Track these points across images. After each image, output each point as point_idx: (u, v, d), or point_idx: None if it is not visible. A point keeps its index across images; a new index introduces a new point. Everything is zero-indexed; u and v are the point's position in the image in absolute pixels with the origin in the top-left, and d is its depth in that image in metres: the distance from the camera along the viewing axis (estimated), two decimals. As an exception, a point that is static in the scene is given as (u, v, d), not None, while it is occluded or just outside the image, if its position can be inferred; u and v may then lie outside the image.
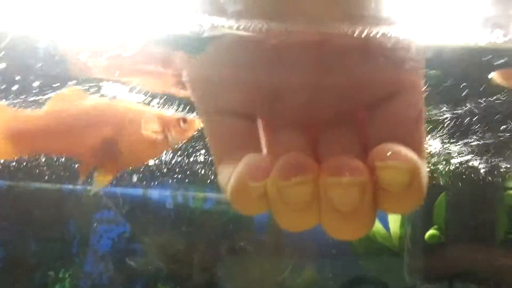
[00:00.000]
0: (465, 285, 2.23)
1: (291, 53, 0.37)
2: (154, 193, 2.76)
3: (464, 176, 2.23)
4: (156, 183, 2.70)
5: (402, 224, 2.47)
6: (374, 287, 2.59)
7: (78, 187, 2.62)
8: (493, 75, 1.63)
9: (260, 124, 0.39)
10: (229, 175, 0.35)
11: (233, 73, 0.38)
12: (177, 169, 2.51)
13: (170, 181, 2.67)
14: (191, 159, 2.37)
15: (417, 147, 0.35)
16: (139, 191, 2.74)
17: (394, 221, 2.51)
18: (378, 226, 2.54)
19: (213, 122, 0.39)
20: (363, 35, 0.37)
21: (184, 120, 1.10)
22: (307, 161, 0.33)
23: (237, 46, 0.39)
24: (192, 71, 0.39)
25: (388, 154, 0.32)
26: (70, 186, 2.65)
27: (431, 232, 2.27)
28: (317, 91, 0.37)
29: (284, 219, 0.34)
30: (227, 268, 2.68)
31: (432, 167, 2.25)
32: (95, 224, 2.69)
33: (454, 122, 1.87)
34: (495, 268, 2.21)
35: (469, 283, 2.22)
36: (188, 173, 2.53)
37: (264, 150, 0.38)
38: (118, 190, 2.68)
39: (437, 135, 1.94)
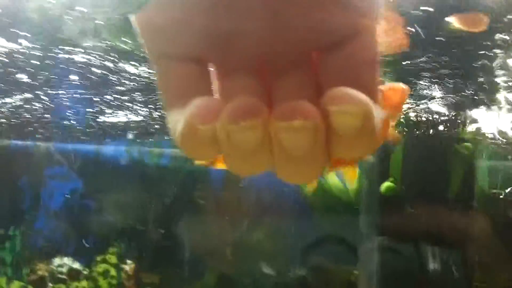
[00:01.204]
0: (417, 238, 2.27)
1: None
2: (108, 149, 2.70)
3: (420, 128, 2.25)
4: (110, 139, 2.66)
5: (359, 178, 2.48)
6: (333, 245, 2.62)
7: (29, 142, 2.55)
8: (452, 19, 1.62)
9: (212, 68, 0.37)
10: (178, 120, 0.34)
11: (182, 16, 0.36)
12: (132, 125, 2.46)
13: (125, 136, 2.62)
14: (147, 114, 2.33)
15: (372, 92, 0.34)
16: (92, 147, 2.68)
17: (351, 174, 2.52)
18: (334, 179, 2.54)
19: (163, 67, 0.37)
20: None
21: None
22: (257, 105, 0.32)
23: None
24: (140, 15, 0.37)
25: (340, 98, 0.31)
26: (20, 142, 2.58)
27: (386, 184, 2.29)
28: (269, 34, 0.35)
29: (235, 164, 0.33)
30: (183, 225, 2.66)
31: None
32: (46, 180, 2.62)
33: (412, 73, 1.89)
34: (447, 222, 2.26)
35: (422, 236, 2.27)
36: (143, 128, 2.49)
37: (217, 96, 0.37)
38: (70, 146, 2.62)
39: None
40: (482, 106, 2.17)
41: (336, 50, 0.36)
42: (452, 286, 2.30)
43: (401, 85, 1.05)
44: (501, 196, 2.31)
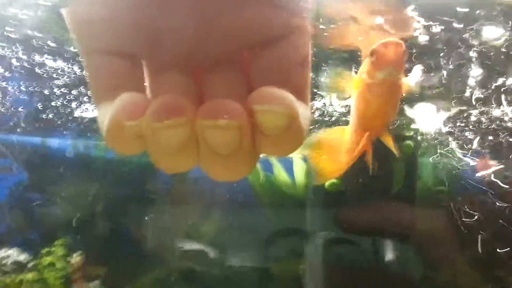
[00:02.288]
0: (358, 235, 2.31)
1: None
2: (54, 142, 2.67)
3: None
4: (56, 131, 2.62)
5: (307, 173, 2.50)
6: (281, 239, 2.64)
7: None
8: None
9: (144, 65, 0.37)
10: (106, 115, 0.33)
11: (112, 11, 0.35)
12: (79, 118, 2.43)
13: (70, 129, 2.59)
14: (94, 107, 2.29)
15: (301, 92, 0.35)
16: (38, 139, 2.64)
17: (299, 170, 2.54)
18: (283, 175, 2.56)
19: (93, 61, 0.37)
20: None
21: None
22: (181, 103, 0.32)
23: None
24: (71, 10, 0.36)
25: (265, 97, 0.32)
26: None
27: (331, 181, 2.31)
28: (199, 32, 0.35)
29: (161, 161, 0.33)
30: (132, 217, 2.65)
31: (331, 117, 2.28)
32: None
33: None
34: (388, 219, 2.29)
35: (362, 232, 2.30)
36: (89, 121, 2.46)
37: (147, 92, 0.37)
38: (15, 138, 2.58)
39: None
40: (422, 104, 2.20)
41: (267, 49, 0.36)
42: (392, 278, 2.34)
43: (394, 40, 1.05)
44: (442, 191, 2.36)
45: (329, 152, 1.25)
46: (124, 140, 0.33)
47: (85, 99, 2.24)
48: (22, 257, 2.55)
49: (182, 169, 0.34)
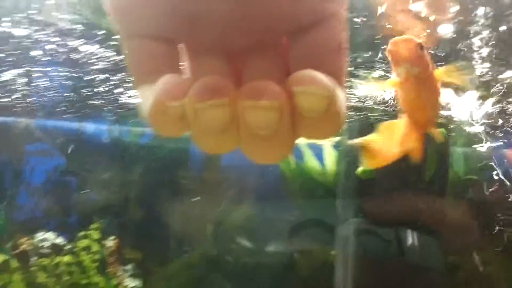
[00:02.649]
0: (393, 221, 2.30)
1: None
2: (90, 127, 2.72)
3: (395, 113, 2.26)
4: (92, 117, 2.67)
5: (338, 161, 2.51)
6: (312, 227, 2.65)
7: (9, 119, 2.57)
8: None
9: (183, 49, 0.38)
10: (148, 97, 0.34)
11: None
12: (114, 103, 2.48)
13: (106, 115, 2.63)
14: (129, 93, 2.34)
15: (338, 76, 0.35)
16: (74, 125, 2.70)
17: (330, 157, 2.54)
18: (313, 162, 2.57)
19: (133, 45, 0.38)
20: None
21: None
22: (223, 84, 0.32)
23: None
24: None
25: (305, 79, 0.32)
26: (1, 118, 2.59)
27: (363, 167, 2.31)
28: (237, 16, 0.36)
29: (203, 142, 0.34)
30: (163, 202, 2.69)
31: (366, 104, 2.28)
32: (28, 157, 2.64)
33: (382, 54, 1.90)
34: (418, 208, 2.29)
35: (397, 219, 2.30)
36: (124, 107, 2.50)
37: (187, 69, 0.38)
38: (52, 123, 2.64)
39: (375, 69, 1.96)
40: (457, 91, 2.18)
41: (305, 34, 0.36)
42: (427, 269, 2.33)
43: (403, 37, 1.06)
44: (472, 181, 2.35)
45: (386, 140, 1.28)
46: (167, 122, 0.34)
47: (121, 84, 2.28)
48: (59, 240, 2.62)
49: (223, 150, 0.35)
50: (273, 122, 0.32)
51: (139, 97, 0.36)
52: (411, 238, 2.31)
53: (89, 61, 2.09)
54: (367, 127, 2.34)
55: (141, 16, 0.37)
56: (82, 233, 2.62)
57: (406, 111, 1.21)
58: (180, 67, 0.38)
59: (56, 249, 2.61)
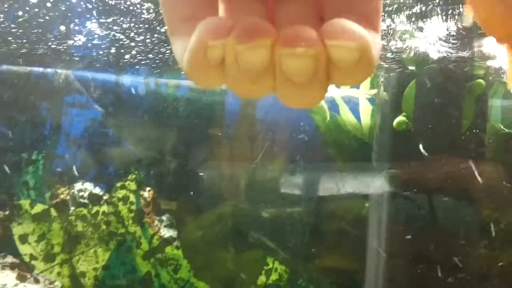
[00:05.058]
0: (430, 179, 2.29)
1: None
2: (127, 79, 2.74)
3: (434, 64, 2.25)
4: (128, 69, 2.69)
5: (373, 114, 2.51)
6: (345, 187, 2.66)
7: (49, 70, 2.60)
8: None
9: None
10: (185, 44, 0.34)
11: None
12: (150, 55, 2.49)
13: (143, 67, 2.66)
14: (165, 46, 2.35)
15: (372, 20, 0.36)
16: (111, 77, 2.72)
17: (365, 111, 2.54)
18: (349, 116, 2.57)
19: None
20: None
21: None
22: (265, 26, 0.32)
23: None
24: None
25: (338, 32, 0.32)
26: (41, 69, 2.63)
27: (399, 119, 2.31)
28: None
29: (239, 87, 0.34)
30: (199, 154, 2.73)
31: (403, 55, 2.27)
32: (66, 108, 2.69)
33: (425, 8, 1.87)
34: (455, 160, 2.27)
35: (433, 181, 2.28)
36: (160, 59, 2.52)
37: (221, 10, 0.38)
38: (90, 74, 2.67)
39: (408, 20, 1.94)
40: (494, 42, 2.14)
41: None
42: (463, 232, 2.31)
43: None
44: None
45: None
46: (206, 66, 0.33)
47: (158, 36, 2.29)
48: (97, 190, 2.68)
49: (258, 94, 0.35)
50: (309, 69, 0.32)
51: (173, 44, 0.36)
52: (444, 201, 2.30)
53: (126, 12, 2.10)
54: (404, 79, 2.34)
55: None
56: (119, 183, 2.68)
57: None
58: (217, 12, 0.38)
59: (94, 199, 2.67)
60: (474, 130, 2.27)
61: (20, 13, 2.14)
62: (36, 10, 2.11)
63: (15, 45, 2.40)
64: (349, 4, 0.36)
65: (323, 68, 0.33)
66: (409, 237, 2.29)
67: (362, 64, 0.33)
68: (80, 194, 2.65)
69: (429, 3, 1.81)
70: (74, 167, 2.66)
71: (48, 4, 2.06)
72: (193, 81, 0.35)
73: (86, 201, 2.66)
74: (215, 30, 0.33)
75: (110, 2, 2.03)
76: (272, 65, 0.33)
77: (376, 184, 2.47)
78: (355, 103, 2.56)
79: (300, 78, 0.33)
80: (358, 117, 2.58)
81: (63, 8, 2.11)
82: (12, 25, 2.23)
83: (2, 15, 2.14)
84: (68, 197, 2.65)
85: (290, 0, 0.37)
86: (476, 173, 2.22)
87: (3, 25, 2.22)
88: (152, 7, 2.05)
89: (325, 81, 0.34)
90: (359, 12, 0.35)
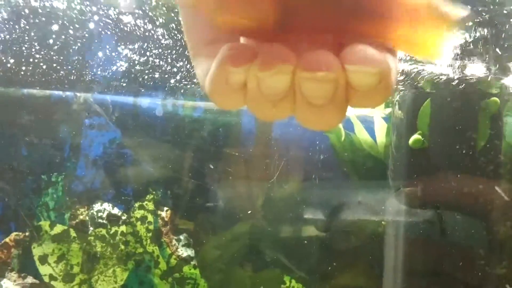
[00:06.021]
0: (441, 196, 2.30)
1: None
2: (144, 101, 2.79)
3: (448, 82, 2.27)
4: (146, 90, 2.73)
5: (388, 132, 2.52)
6: (360, 206, 2.67)
7: (68, 93, 2.65)
8: None
9: None
10: (207, 67, 0.35)
11: None
12: (168, 77, 2.53)
13: (160, 89, 2.69)
14: (182, 68, 2.39)
15: (390, 44, 0.37)
16: (129, 99, 2.76)
17: (380, 130, 2.56)
18: (364, 134, 2.59)
19: (190, 13, 0.39)
20: None
21: None
22: (286, 52, 0.34)
23: None
24: None
25: (358, 57, 0.33)
26: (60, 92, 2.67)
27: (415, 137, 2.32)
28: None
29: (261, 110, 0.35)
30: (215, 174, 2.75)
31: (417, 74, 2.28)
32: (85, 130, 2.73)
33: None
34: (472, 179, 2.27)
35: (447, 199, 2.29)
36: (178, 81, 2.55)
37: (241, 41, 0.39)
38: (108, 97, 2.71)
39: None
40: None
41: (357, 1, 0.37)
42: (482, 251, 2.30)
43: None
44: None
45: None
46: (228, 90, 0.34)
47: (174, 58, 2.33)
48: (116, 210, 2.71)
49: (278, 117, 0.36)
50: (328, 92, 0.33)
51: (195, 67, 0.37)
52: (461, 219, 2.30)
53: (142, 36, 2.14)
54: (420, 97, 2.36)
55: None
56: (138, 203, 2.71)
57: None
58: (237, 34, 0.39)
59: (113, 220, 2.70)
60: (489, 148, 2.28)
61: (39, 36, 2.19)
62: (56, 34, 2.16)
63: (35, 69, 2.45)
64: (369, 29, 0.37)
65: (342, 91, 0.34)
66: (426, 255, 2.30)
67: (380, 88, 0.34)
68: (99, 214, 2.68)
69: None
70: (93, 188, 2.70)
71: (67, 29, 2.11)
72: (215, 103, 0.36)
73: (104, 221, 2.68)
74: (237, 56, 0.34)
75: (127, 27, 2.07)
76: (292, 89, 0.34)
77: (392, 202, 2.48)
78: (370, 122, 2.58)
79: (319, 100, 0.34)
80: (373, 136, 2.60)
81: (82, 32, 2.16)
82: (32, 49, 2.27)
83: (20, 40, 2.19)
84: (87, 218, 2.68)
85: (310, 25, 0.38)
86: (492, 190, 2.23)
87: (22, 49, 2.26)
88: (167, 32, 2.09)
89: (344, 104, 0.35)
90: (378, 37, 0.36)
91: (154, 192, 2.70)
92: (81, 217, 2.69)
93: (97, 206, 2.70)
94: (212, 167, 2.73)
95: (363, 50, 0.34)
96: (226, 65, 0.34)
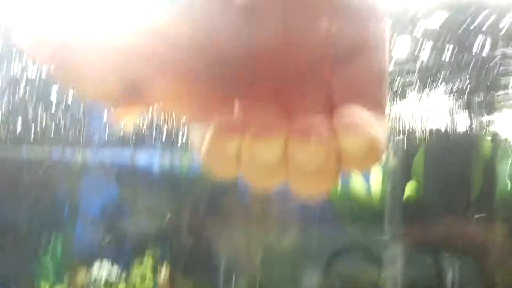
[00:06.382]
0: (440, 243, 2.31)
1: (260, 9, 0.38)
2: (142, 158, 2.81)
3: (441, 132, 2.31)
4: (144, 148, 2.76)
5: (383, 181, 2.55)
6: (357, 255, 2.68)
7: (68, 150, 2.67)
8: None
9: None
10: (201, 135, 0.35)
11: (202, 31, 0.37)
12: (165, 135, 2.57)
13: (157, 146, 2.72)
14: (178, 124, 2.42)
15: (379, 105, 0.37)
16: (128, 155, 2.79)
17: (375, 179, 2.59)
18: (359, 183, 2.61)
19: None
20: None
21: None
22: (278, 122, 0.34)
23: (207, 4, 0.39)
24: None
25: (348, 123, 0.34)
26: (60, 150, 2.69)
27: (409, 185, 2.35)
28: (285, 48, 0.38)
29: (254, 177, 0.35)
30: (213, 231, 2.76)
31: (410, 124, 2.33)
32: (84, 188, 2.75)
33: (431, 78, 1.95)
34: (468, 226, 2.29)
35: (444, 244, 2.30)
36: (175, 138, 2.59)
37: (236, 106, 0.39)
38: (107, 153, 2.74)
39: (415, 90, 2.01)
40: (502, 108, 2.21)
41: (347, 62, 0.38)
42: None
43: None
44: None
45: None
46: (222, 160, 0.34)
47: (170, 116, 2.37)
48: (115, 268, 2.70)
49: (272, 184, 0.36)
50: (320, 160, 0.33)
51: (190, 135, 0.37)
52: (454, 264, 2.30)
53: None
54: (413, 147, 2.40)
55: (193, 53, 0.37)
56: (136, 261, 2.69)
57: None
58: (232, 101, 0.38)
59: (112, 277, 2.68)
60: (484, 194, 2.30)
61: (39, 95, 2.22)
62: (56, 94, 2.20)
63: (35, 126, 2.48)
64: (358, 90, 0.37)
65: (334, 158, 0.34)
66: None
67: (372, 153, 0.34)
68: (99, 273, 2.67)
69: (436, 76, 1.90)
70: (92, 246, 2.69)
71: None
72: (210, 170, 0.35)
73: (104, 280, 2.67)
74: (230, 128, 0.34)
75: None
76: (285, 156, 0.34)
77: (390, 250, 2.48)
78: (365, 171, 2.61)
79: (311, 167, 0.34)
80: (368, 184, 2.63)
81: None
82: (32, 107, 2.31)
83: (22, 98, 2.22)
84: (87, 277, 2.67)
85: (301, 87, 0.38)
86: (487, 235, 2.25)
87: (22, 108, 2.30)
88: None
89: (336, 170, 0.34)
90: (368, 98, 0.37)
91: (153, 249, 2.70)
92: (81, 276, 2.68)
93: (96, 265, 2.69)
94: (210, 221, 2.74)
95: (354, 117, 0.34)
96: (220, 135, 0.34)
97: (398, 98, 2.06)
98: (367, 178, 2.60)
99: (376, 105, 0.37)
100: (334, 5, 0.39)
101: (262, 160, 0.33)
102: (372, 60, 0.38)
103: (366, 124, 0.34)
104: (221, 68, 0.37)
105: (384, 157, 0.35)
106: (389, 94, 0.39)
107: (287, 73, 0.38)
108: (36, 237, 2.68)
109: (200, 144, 0.35)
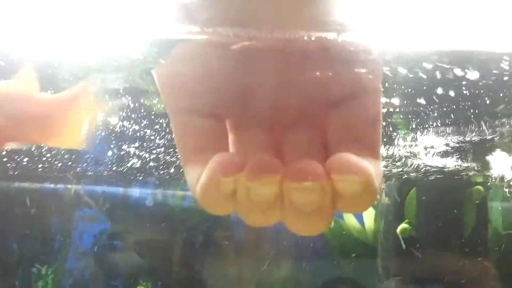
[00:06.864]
0: (435, 281, 2.30)
1: (258, 56, 0.39)
2: (134, 192, 2.80)
3: (433, 172, 2.31)
4: (136, 182, 2.75)
5: (376, 219, 2.55)
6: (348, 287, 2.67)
7: (59, 186, 2.67)
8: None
9: (227, 124, 0.41)
10: (197, 175, 0.36)
11: (203, 74, 0.39)
12: (157, 168, 2.56)
13: (150, 180, 2.72)
14: (171, 158, 2.42)
15: (373, 148, 0.38)
16: (119, 190, 2.78)
17: (368, 215, 2.59)
18: (353, 221, 2.61)
19: (181, 121, 0.40)
20: (325, 40, 0.39)
21: None
22: (273, 163, 0.35)
23: (207, 48, 0.40)
24: (161, 70, 0.40)
25: (343, 167, 0.34)
26: (51, 185, 2.69)
27: (402, 226, 2.35)
28: (281, 92, 0.39)
29: (250, 217, 0.36)
30: (206, 264, 2.74)
31: (402, 164, 2.33)
32: (76, 222, 2.73)
33: (422, 119, 1.95)
34: (461, 265, 2.29)
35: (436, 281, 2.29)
36: (167, 171, 2.58)
37: (231, 150, 0.40)
38: (99, 188, 2.73)
39: (408, 131, 2.02)
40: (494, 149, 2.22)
41: (341, 107, 0.39)
42: None
43: None
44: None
45: None
46: (218, 199, 0.35)
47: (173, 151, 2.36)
48: (106, 303, 2.68)
49: (267, 222, 0.36)
50: (316, 201, 0.34)
51: (186, 174, 0.38)
52: None
53: (134, 132, 2.19)
54: (406, 184, 2.40)
55: (190, 92, 0.39)
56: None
57: None
58: (227, 143, 0.40)
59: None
60: (476, 234, 2.31)
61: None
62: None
63: (26, 162, 2.47)
64: (352, 134, 0.38)
65: (328, 198, 0.34)
66: None
67: (365, 194, 0.34)
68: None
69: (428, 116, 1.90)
70: (83, 281, 2.67)
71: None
72: (206, 209, 0.36)
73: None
74: (226, 167, 0.35)
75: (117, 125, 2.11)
76: (280, 196, 0.34)
77: (382, 285, 2.47)
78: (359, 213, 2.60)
79: (307, 208, 0.34)
80: (361, 222, 2.62)
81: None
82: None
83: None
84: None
85: (297, 130, 0.40)
86: (479, 273, 2.25)
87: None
88: (158, 128, 2.13)
89: (331, 210, 0.35)
90: (361, 142, 0.38)
91: (144, 284, 2.68)
92: (71, 311, 2.65)
93: (87, 299, 2.67)
94: (203, 255, 2.73)
95: (348, 160, 0.35)
96: (216, 174, 0.35)
97: (391, 139, 2.06)
98: (360, 216, 2.60)
99: (370, 148, 0.37)
100: (330, 52, 0.40)
101: (258, 200, 0.34)
102: (366, 104, 0.39)
103: (360, 167, 0.34)
104: (220, 108, 0.39)
105: (377, 198, 0.35)
106: (382, 136, 0.39)
107: (282, 115, 0.39)
108: (28, 269, 2.65)
109: (195, 183, 0.36)
